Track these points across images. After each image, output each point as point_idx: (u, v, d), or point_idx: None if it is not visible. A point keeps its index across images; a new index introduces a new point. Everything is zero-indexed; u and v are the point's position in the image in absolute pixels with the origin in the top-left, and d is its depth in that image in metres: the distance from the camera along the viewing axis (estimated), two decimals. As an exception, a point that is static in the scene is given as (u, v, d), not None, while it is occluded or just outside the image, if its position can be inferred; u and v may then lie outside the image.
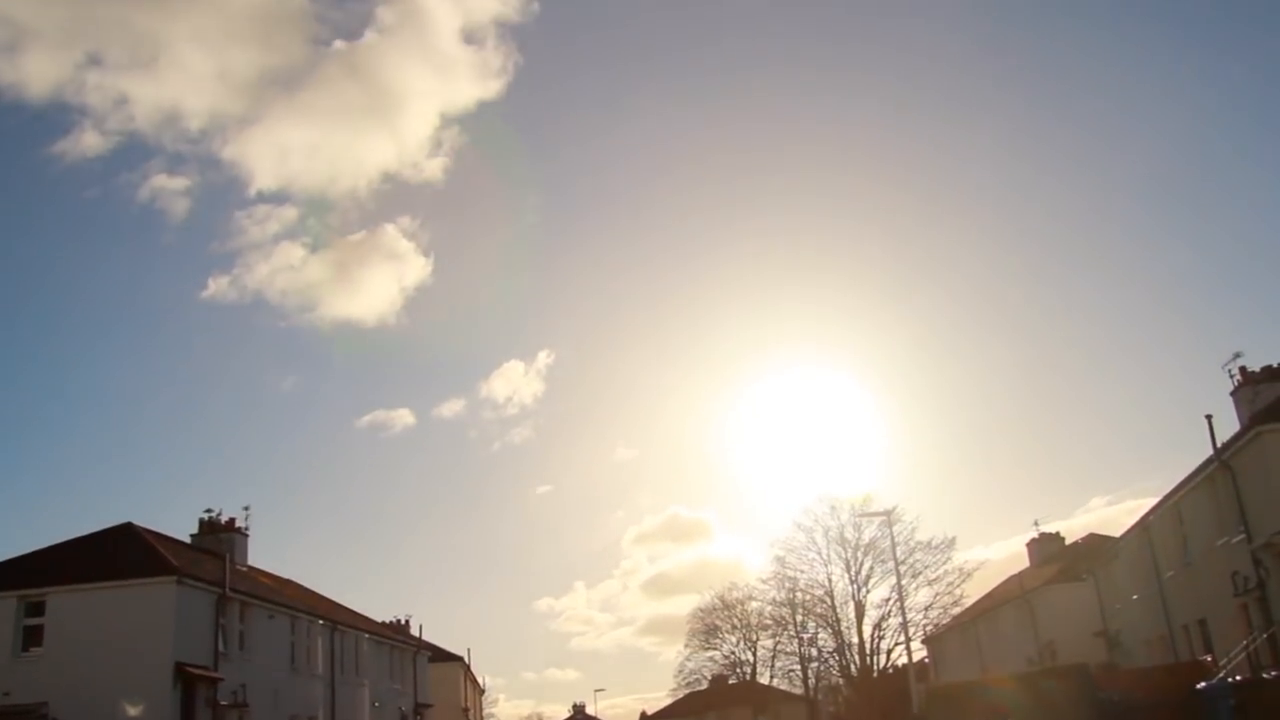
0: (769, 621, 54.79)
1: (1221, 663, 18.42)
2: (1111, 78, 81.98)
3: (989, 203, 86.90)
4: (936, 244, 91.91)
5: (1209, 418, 22.57)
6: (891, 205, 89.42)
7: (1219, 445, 21.94)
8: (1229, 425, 23.16)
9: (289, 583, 33.10)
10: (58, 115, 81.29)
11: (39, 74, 72.98)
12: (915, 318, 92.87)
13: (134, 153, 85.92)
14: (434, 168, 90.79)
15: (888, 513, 37.03)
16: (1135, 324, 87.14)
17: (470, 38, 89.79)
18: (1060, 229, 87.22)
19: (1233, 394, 24.14)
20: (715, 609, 57.71)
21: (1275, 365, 23.74)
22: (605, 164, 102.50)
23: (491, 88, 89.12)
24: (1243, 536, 20.80)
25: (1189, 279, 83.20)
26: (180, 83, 76.30)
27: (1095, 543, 37.24)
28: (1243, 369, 24.01)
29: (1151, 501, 27.56)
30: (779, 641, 55.70)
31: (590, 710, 70.82)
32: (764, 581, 52.28)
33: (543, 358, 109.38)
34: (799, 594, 49.95)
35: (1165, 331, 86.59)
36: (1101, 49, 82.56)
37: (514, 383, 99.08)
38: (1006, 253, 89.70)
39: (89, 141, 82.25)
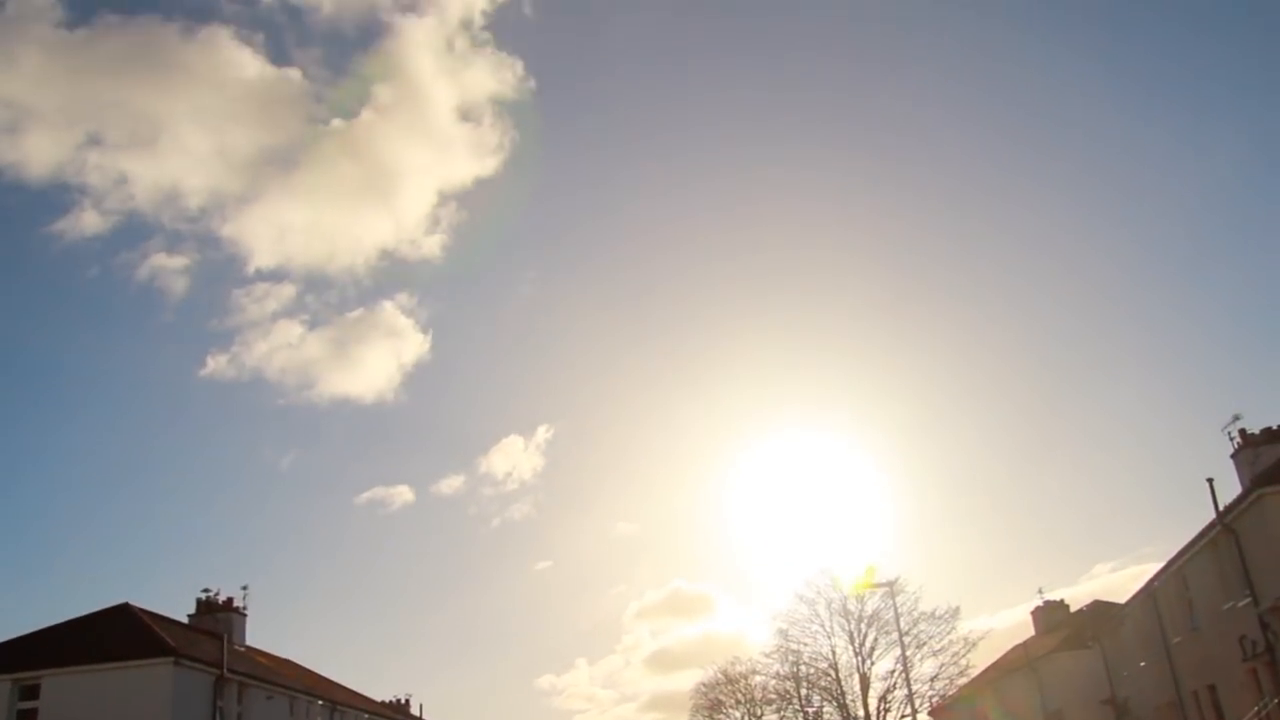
0: (773, 695, 54.06)
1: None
2: (1110, 152, 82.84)
3: (987, 275, 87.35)
4: (936, 313, 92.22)
5: (1210, 481, 22.50)
6: (891, 277, 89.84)
7: (1221, 508, 21.82)
8: (1231, 488, 23.10)
9: (287, 663, 32.74)
10: (58, 195, 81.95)
11: (39, 154, 73.68)
12: (917, 385, 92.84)
13: (133, 231, 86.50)
14: (432, 244, 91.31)
15: (890, 584, 36.72)
16: (1135, 388, 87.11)
17: (467, 115, 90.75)
18: (1058, 296, 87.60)
19: (1233, 456, 24.09)
20: (719, 684, 57.00)
21: (1275, 427, 23.70)
22: (602, 239, 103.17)
23: (488, 164, 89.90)
24: (1249, 600, 20.61)
25: (1185, 342, 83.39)
26: (179, 162, 77.03)
27: (1101, 609, 36.91)
28: (1242, 431, 23.97)
29: (1156, 567, 27.38)
30: (784, 715, 54.87)
31: (594, 789, 69.59)
32: (767, 655, 51.68)
33: (542, 432, 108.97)
34: (803, 667, 49.38)
35: (1164, 395, 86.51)
36: (1099, 124, 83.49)
37: (513, 458, 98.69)
38: (1005, 321, 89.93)
39: (88, 221, 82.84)
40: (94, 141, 79.68)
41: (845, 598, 46.05)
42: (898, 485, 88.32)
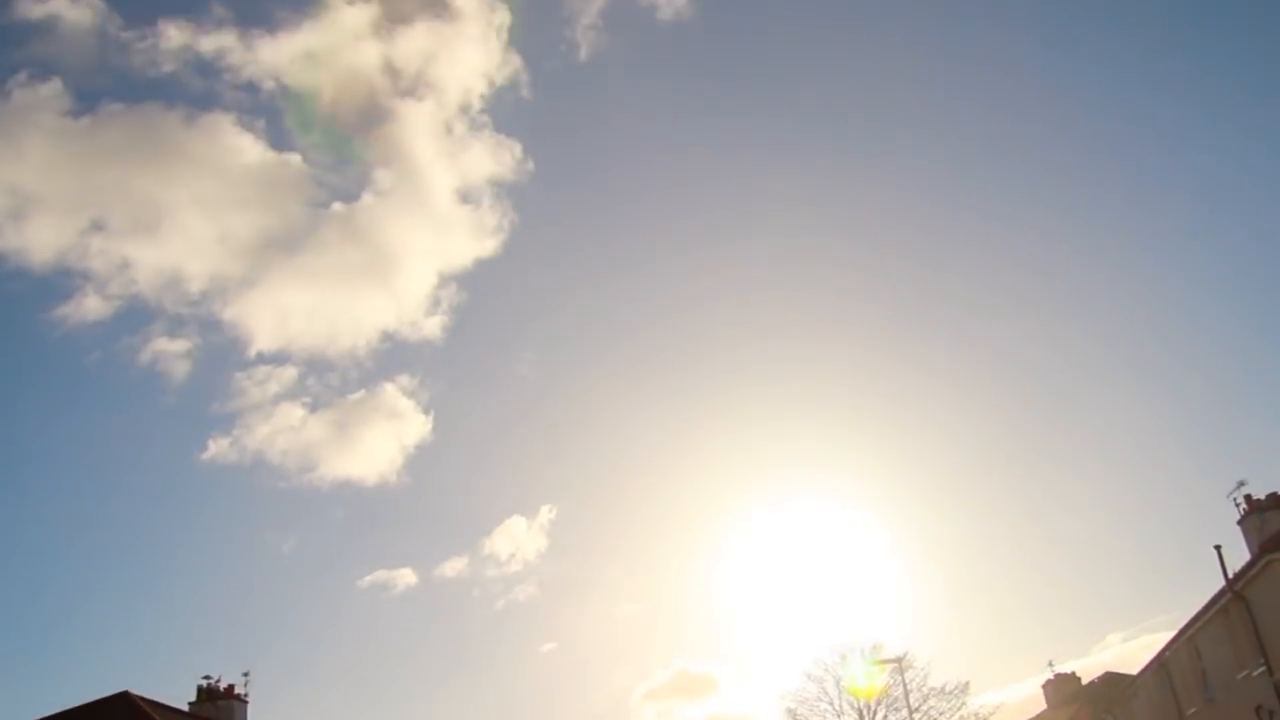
0: (783, 776, 53.20)
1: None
2: (1108, 223, 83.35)
3: (994, 347, 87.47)
4: (943, 381, 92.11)
5: (1218, 548, 22.37)
6: (895, 350, 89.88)
7: (1230, 576, 21.66)
8: (1239, 554, 22.94)
9: (289, 750, 32.21)
10: (60, 281, 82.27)
11: (43, 240, 74.13)
12: (922, 452, 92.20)
13: (135, 316, 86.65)
14: (433, 326, 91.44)
15: (899, 659, 36.33)
16: (1139, 454, 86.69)
17: (466, 197, 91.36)
18: (1062, 365, 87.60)
19: (1240, 523, 23.95)
20: (728, 765, 56.15)
21: (1280, 492, 23.64)
22: (602, 317, 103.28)
23: (488, 246, 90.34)
24: (1263, 669, 20.38)
25: (1187, 408, 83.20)
26: (181, 246, 77.43)
27: (1113, 681, 36.41)
28: (1248, 497, 23.84)
29: (1167, 636, 27.08)
30: (794, 796, 53.98)
31: None
32: (777, 736, 50.94)
33: (545, 513, 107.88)
34: (812, 747, 48.64)
35: (1168, 462, 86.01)
36: (1098, 204, 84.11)
37: (517, 539, 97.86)
38: (1010, 389, 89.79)
39: (91, 306, 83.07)
40: (97, 227, 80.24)
41: (854, 675, 45.52)
42: (903, 553, 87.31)
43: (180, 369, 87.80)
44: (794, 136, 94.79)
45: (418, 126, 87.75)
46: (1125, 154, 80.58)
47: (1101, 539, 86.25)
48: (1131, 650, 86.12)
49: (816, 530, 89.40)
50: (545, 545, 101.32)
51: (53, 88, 64.65)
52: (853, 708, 46.20)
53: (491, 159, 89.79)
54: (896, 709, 44.89)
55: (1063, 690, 39.96)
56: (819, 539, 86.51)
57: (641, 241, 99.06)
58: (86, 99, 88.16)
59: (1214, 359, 78.47)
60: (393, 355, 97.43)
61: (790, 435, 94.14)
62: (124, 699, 25.78)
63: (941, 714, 44.95)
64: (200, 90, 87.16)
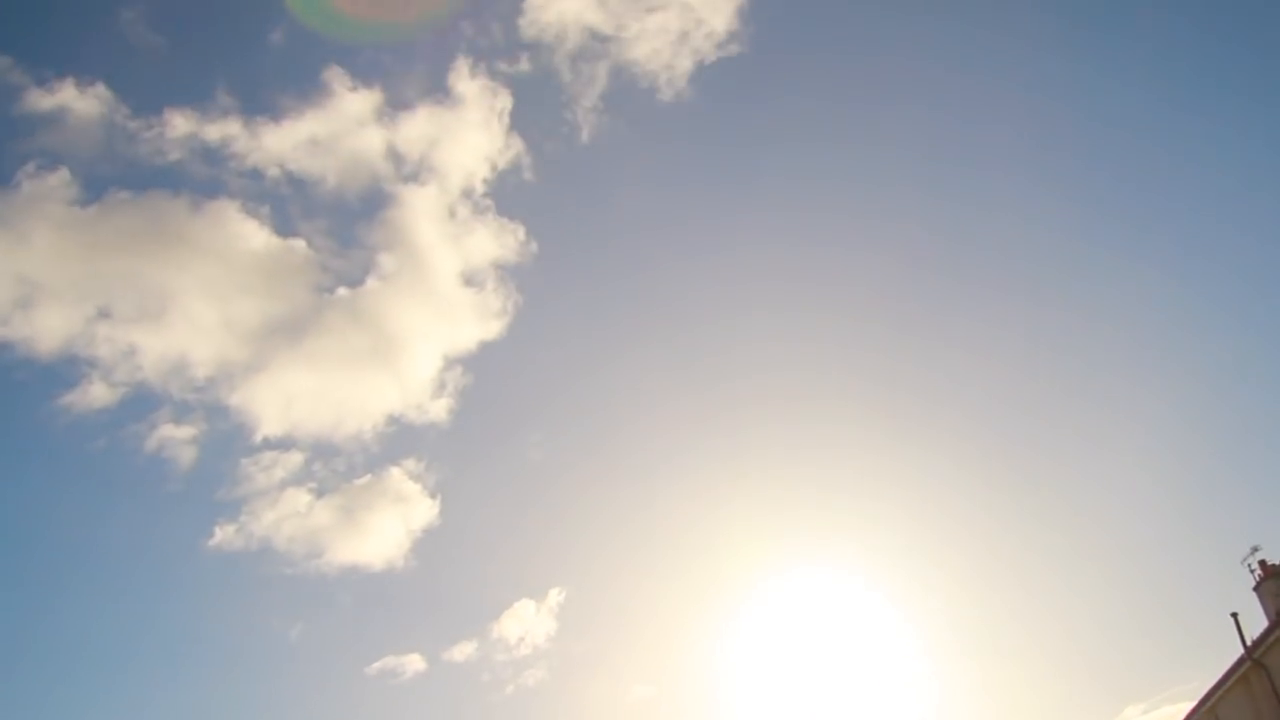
0: None
1: None
2: (1115, 294, 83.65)
3: (1002, 417, 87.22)
4: (951, 454, 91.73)
5: (1235, 616, 22.14)
6: (901, 422, 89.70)
7: (1249, 643, 21.42)
8: (1256, 621, 22.70)
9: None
10: (67, 368, 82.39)
11: (49, 328, 74.44)
12: (933, 530, 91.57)
13: (141, 403, 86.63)
14: (438, 409, 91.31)
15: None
16: (1149, 522, 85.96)
17: (470, 280, 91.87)
18: (1071, 435, 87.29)
19: (1256, 589, 23.69)
20: None
21: (1294, 557, 23.45)
22: (607, 396, 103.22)
23: (492, 328, 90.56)
24: (1286, 736, 20.09)
25: (1198, 477, 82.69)
26: (187, 333, 77.71)
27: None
28: (1262, 563, 23.59)
29: (1188, 706, 26.64)
30: None
31: None
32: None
33: (554, 595, 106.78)
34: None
35: (1179, 530, 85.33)
36: (1105, 280, 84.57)
37: (526, 622, 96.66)
38: (1021, 459, 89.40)
39: (97, 393, 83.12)
40: (103, 315, 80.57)
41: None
42: (916, 629, 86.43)
43: (186, 455, 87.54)
44: (793, 214, 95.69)
45: (421, 211, 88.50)
46: (1130, 242, 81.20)
47: (1116, 609, 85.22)
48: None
49: (828, 607, 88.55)
50: (555, 628, 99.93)
51: (60, 177, 65.39)
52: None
53: (495, 242, 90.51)
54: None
55: (1082, 767, 39.33)
56: (830, 614, 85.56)
57: (645, 321, 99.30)
58: (94, 187, 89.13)
59: (1224, 423, 78.28)
60: (399, 439, 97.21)
61: (797, 501, 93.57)
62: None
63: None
64: (206, 178, 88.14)
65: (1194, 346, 77.66)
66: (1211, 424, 79.25)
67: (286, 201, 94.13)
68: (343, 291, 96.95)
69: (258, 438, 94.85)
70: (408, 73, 73.20)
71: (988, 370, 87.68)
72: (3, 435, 76.16)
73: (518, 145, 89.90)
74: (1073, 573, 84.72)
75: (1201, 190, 77.31)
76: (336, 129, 78.26)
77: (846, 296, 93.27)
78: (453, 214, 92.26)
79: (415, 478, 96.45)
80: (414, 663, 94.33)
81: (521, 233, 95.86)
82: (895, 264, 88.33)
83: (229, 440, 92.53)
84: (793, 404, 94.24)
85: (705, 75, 78.49)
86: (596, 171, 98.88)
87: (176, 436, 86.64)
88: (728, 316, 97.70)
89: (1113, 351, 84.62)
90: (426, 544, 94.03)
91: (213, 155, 79.11)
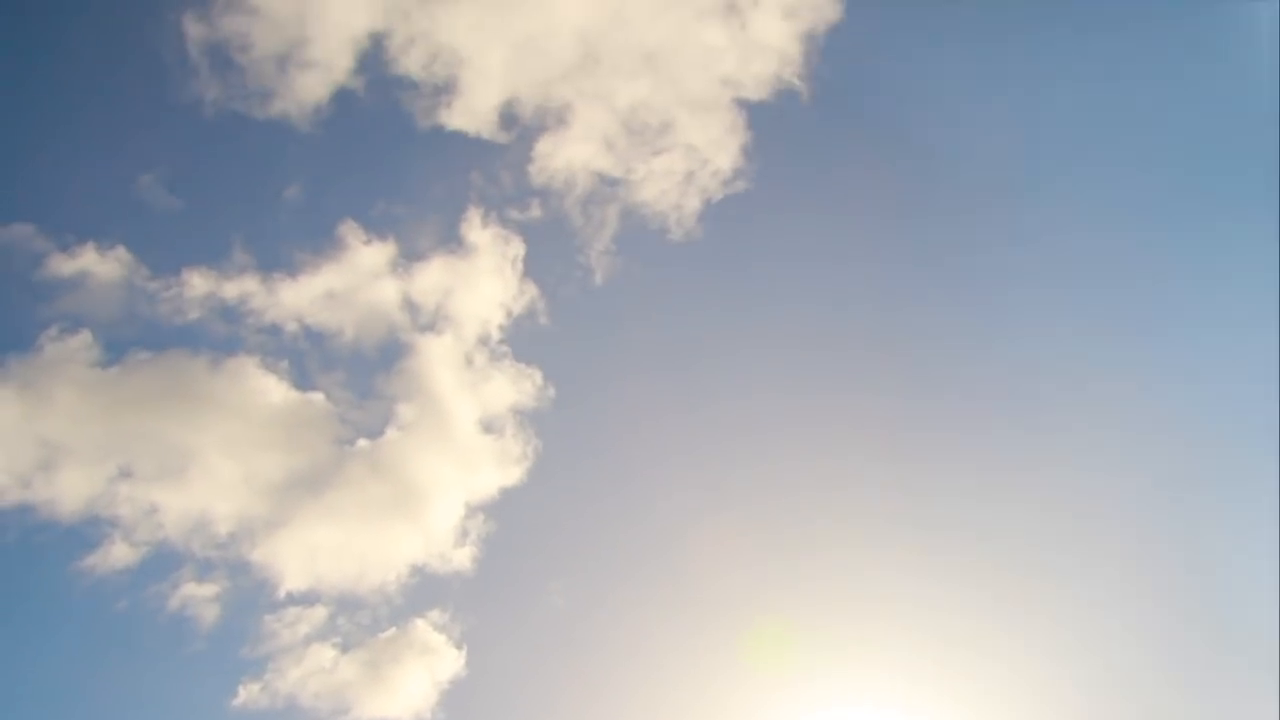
0: None
1: None
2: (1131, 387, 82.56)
3: (1012, 556, 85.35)
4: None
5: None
6: (925, 563, 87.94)
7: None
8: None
9: None
10: (88, 529, 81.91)
11: (71, 490, 74.25)
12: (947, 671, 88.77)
13: (163, 561, 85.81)
14: (462, 557, 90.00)
15: None
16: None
17: (489, 427, 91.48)
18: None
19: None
20: None
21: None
22: (630, 539, 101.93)
23: (513, 474, 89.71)
24: None
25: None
26: (208, 490, 77.33)
27: None
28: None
29: None
30: None
31: None
32: None
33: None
34: None
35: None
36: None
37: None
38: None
39: (118, 553, 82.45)
40: (125, 474, 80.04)
41: None
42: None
43: (210, 613, 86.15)
44: (806, 351, 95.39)
45: (438, 360, 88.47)
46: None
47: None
48: None
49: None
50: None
51: (82, 339, 66.18)
52: None
53: (512, 387, 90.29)
54: None
55: None
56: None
57: (669, 464, 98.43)
58: (114, 349, 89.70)
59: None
60: (423, 590, 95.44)
61: (836, 657, 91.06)
62: None
63: None
64: (224, 335, 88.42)
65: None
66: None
67: (304, 355, 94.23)
68: (363, 443, 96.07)
69: (281, 593, 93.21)
70: (420, 224, 74.41)
71: (1013, 517, 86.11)
72: (26, 599, 75.56)
73: (531, 290, 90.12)
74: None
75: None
76: (352, 282, 78.87)
77: (869, 433, 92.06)
78: (470, 361, 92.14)
79: (440, 629, 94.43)
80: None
81: (538, 377, 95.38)
82: (918, 398, 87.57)
83: (252, 597, 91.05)
84: (817, 543, 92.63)
85: (713, 212, 79.17)
86: (611, 312, 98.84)
87: (199, 595, 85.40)
88: (747, 455, 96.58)
89: (1136, 467, 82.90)
90: (453, 696, 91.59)
91: (231, 312, 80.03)
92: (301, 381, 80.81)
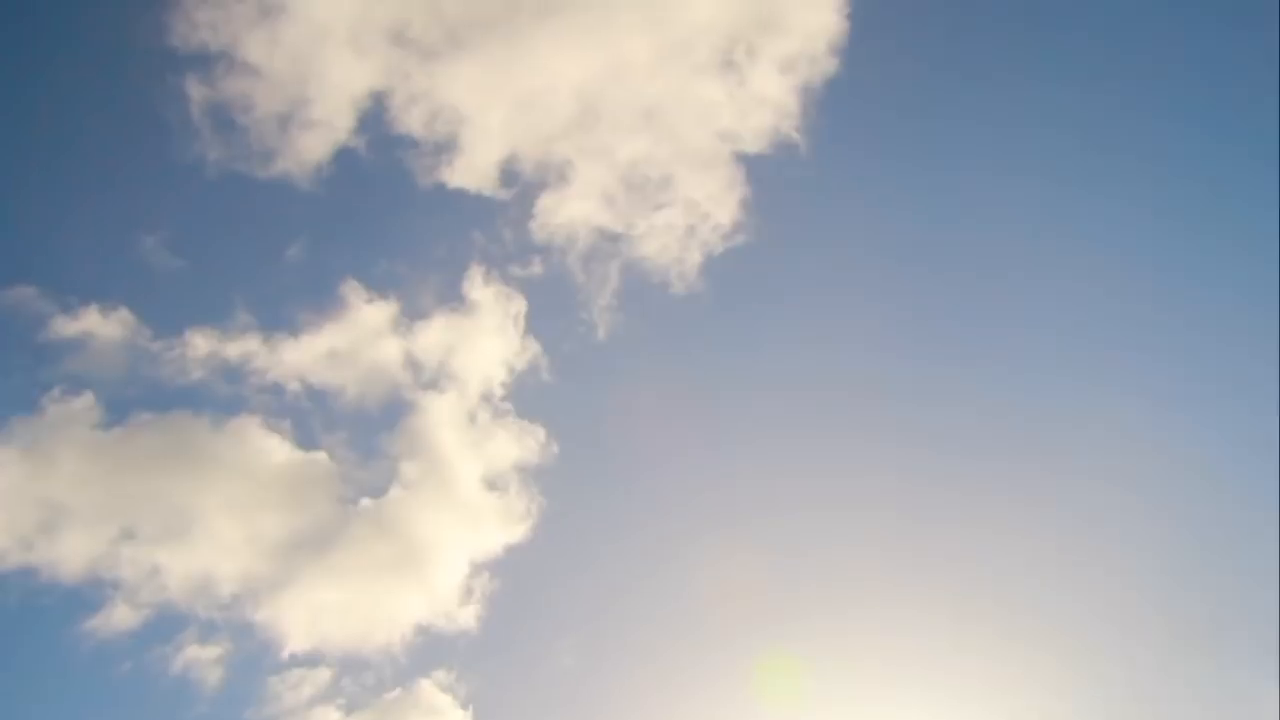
0: None
1: None
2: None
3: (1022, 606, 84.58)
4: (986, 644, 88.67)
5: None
6: (914, 614, 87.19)
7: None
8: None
9: None
10: (91, 592, 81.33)
11: (73, 552, 73.82)
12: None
13: (166, 623, 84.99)
14: (467, 616, 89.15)
15: None
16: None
17: (493, 484, 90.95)
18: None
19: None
20: None
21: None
22: (636, 594, 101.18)
23: (517, 531, 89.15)
24: None
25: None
26: (211, 550, 76.86)
27: None
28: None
29: None
30: None
31: None
32: None
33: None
34: None
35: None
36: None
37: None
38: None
39: (121, 616, 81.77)
40: (127, 536, 79.54)
41: None
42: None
43: (213, 675, 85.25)
44: (808, 403, 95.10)
45: (441, 418, 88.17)
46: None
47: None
48: None
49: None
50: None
51: (85, 401, 66.12)
52: None
53: (516, 444, 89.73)
54: None
55: None
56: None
57: (675, 518, 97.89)
58: (117, 410, 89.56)
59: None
60: (428, 649, 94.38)
61: (841, 698, 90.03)
62: None
63: None
64: (227, 395, 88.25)
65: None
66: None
67: (307, 415, 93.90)
68: (366, 502, 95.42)
69: (285, 654, 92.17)
70: (422, 282, 74.54)
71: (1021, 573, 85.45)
72: (29, 662, 75.03)
73: (534, 347, 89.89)
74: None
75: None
76: (354, 341, 78.84)
77: (877, 488, 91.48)
78: (473, 419, 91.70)
79: (446, 689, 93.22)
80: None
81: (542, 434, 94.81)
82: (925, 457, 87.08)
83: (256, 658, 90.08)
84: (828, 598, 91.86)
85: (714, 266, 79.39)
86: (614, 368, 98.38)
87: (202, 657, 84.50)
88: (754, 506, 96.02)
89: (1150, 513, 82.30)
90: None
91: (233, 373, 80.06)
92: (304, 441, 79.33)
